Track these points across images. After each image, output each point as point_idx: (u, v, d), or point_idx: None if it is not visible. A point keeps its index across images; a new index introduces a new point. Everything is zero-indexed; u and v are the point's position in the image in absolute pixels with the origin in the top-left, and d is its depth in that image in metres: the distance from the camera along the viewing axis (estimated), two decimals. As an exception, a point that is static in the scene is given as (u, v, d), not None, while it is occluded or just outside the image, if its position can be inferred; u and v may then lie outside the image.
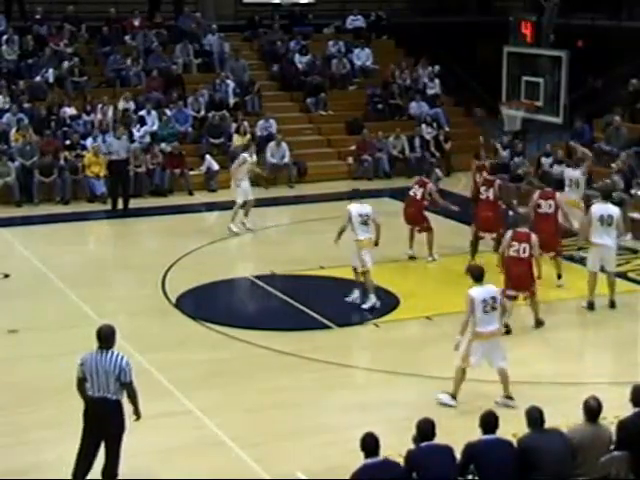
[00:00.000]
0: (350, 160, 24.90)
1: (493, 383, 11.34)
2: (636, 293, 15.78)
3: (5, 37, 25.30)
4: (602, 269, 14.77)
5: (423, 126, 25.58)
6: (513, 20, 23.86)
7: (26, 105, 23.47)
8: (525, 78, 20.66)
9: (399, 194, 20.37)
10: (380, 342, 13.65)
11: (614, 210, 14.60)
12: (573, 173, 17.37)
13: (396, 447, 8.66)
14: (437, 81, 27.56)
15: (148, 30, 27.04)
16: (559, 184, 18.89)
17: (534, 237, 13.65)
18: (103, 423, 9.04)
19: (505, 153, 22.02)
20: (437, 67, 27.67)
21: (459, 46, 27.65)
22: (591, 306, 14.67)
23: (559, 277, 15.75)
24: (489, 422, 8.25)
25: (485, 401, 10.71)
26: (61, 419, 10.60)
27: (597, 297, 14.74)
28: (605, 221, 14.47)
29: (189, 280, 16.09)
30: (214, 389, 11.89)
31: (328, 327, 14.00)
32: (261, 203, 20.41)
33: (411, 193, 17.18)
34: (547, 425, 8.35)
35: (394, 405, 11.13)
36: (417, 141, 25.28)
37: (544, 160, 20.57)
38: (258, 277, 16.30)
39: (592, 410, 8.25)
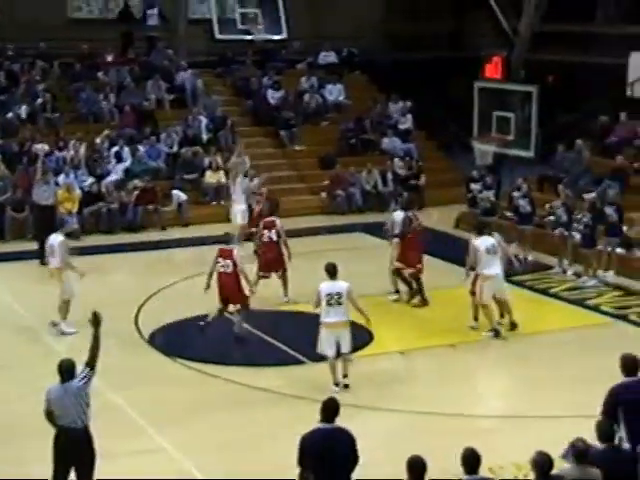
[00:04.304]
0: (323, 195, 24.98)
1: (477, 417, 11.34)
2: (608, 326, 15.88)
3: (-23, 74, 25.32)
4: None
5: (396, 161, 25.71)
6: (483, 56, 24.11)
7: (-2, 141, 23.46)
8: (496, 113, 20.85)
9: (372, 229, 20.42)
10: (353, 377, 13.61)
11: (494, 240, 15.02)
12: None
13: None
14: (409, 116, 27.73)
15: (121, 66, 27.11)
16: (528, 218, 19.11)
17: None
18: (73, 451, 9.15)
19: (478, 186, 22.16)
20: (409, 102, 27.86)
21: (431, 81, 27.87)
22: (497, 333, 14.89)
23: (502, 316, 15.51)
24: (472, 460, 8.14)
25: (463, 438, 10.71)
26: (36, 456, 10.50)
27: (566, 331, 14.83)
28: (491, 251, 14.77)
29: (163, 316, 16.02)
30: (188, 426, 11.82)
31: (302, 362, 13.97)
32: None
33: (266, 238, 16.91)
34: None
35: (365, 439, 11.05)
36: (390, 176, 25.41)
37: (515, 194, 20.71)
38: (232, 313, 16.23)
39: (580, 452, 8.25)
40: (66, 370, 9.30)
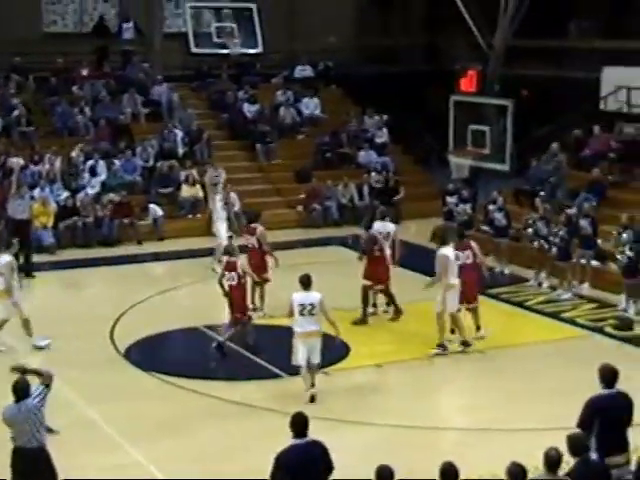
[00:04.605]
0: (299, 208, 24.98)
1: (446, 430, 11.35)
2: (584, 338, 15.95)
3: (-49, 88, 25.22)
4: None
5: (373, 174, 25.76)
6: (459, 70, 24.22)
7: (-28, 155, 23.32)
8: (472, 126, 20.92)
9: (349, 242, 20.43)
10: (330, 390, 13.58)
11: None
12: None
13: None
14: (385, 130, 27.80)
15: (96, 80, 27.05)
16: (503, 231, 19.15)
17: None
18: (30, 472, 9.10)
19: (454, 199, 22.21)
20: (385, 116, 27.94)
21: (407, 95, 27.96)
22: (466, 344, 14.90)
23: (478, 328, 15.53)
24: (450, 474, 8.13)
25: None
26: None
27: (542, 344, 14.86)
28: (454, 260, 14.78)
29: (138, 330, 15.95)
30: (163, 440, 11.77)
31: (279, 376, 13.94)
32: (211, 252, 20.38)
33: (249, 245, 16.93)
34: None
35: (341, 452, 11.03)
36: (366, 189, 25.44)
37: (491, 207, 20.79)
38: (208, 327, 16.21)
39: (552, 460, 8.27)
40: (20, 389, 9.24)
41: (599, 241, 18.75)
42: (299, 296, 12.93)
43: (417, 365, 14.51)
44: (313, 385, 13.09)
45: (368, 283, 16.43)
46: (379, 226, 16.95)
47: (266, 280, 16.73)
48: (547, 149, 22.75)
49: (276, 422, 12.31)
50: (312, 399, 12.81)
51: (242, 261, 15.24)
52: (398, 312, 16.58)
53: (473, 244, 15.76)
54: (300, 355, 12.90)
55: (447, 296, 14.63)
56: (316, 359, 13.00)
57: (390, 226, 17.08)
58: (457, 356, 14.87)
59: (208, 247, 20.49)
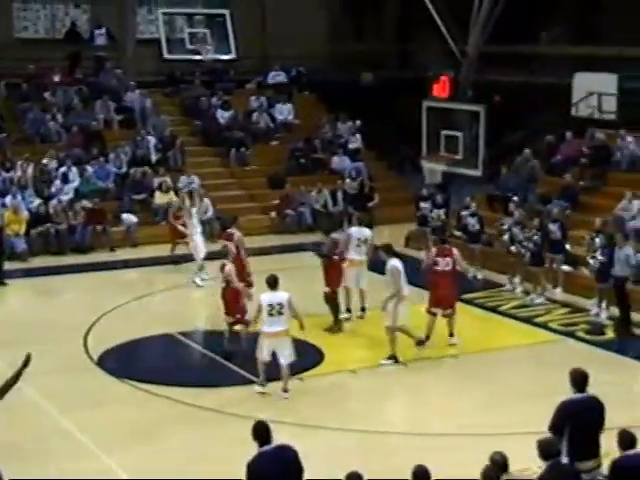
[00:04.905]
0: (273, 214, 24.98)
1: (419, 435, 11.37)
2: (556, 343, 16.05)
3: None
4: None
5: (347, 180, 25.80)
6: (431, 76, 24.28)
7: (-56, 162, 23.18)
8: (444, 132, 20.99)
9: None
10: (303, 396, 13.60)
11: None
12: None
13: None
14: (358, 135, 27.87)
15: (68, 86, 26.93)
16: (476, 236, 19.24)
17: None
18: None
19: (427, 205, 22.28)
20: (358, 122, 28.01)
21: (380, 101, 28.05)
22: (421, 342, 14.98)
23: (451, 335, 15.52)
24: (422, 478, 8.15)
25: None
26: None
27: (516, 349, 14.90)
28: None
29: (112, 337, 15.89)
30: (137, 447, 11.72)
31: (252, 382, 13.92)
32: (184, 259, 20.37)
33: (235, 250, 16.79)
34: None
35: (315, 459, 11.04)
36: (339, 195, 25.48)
37: (464, 213, 20.88)
38: (182, 333, 16.17)
39: (498, 464, 8.33)
40: None
41: (567, 246, 18.87)
42: (267, 296, 13.07)
43: (391, 371, 14.52)
44: (286, 390, 13.15)
45: (328, 290, 16.29)
46: (355, 231, 17.01)
47: (250, 285, 16.60)
48: (519, 154, 22.88)
49: (249, 428, 12.32)
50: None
51: (229, 267, 15.06)
52: (336, 326, 16.20)
53: (455, 251, 15.73)
54: (265, 351, 13.12)
55: (399, 308, 14.49)
56: (287, 359, 13.11)
57: (367, 232, 17.14)
58: (431, 361, 14.91)
59: (181, 254, 20.49)
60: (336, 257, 16.40)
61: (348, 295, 16.94)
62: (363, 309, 16.94)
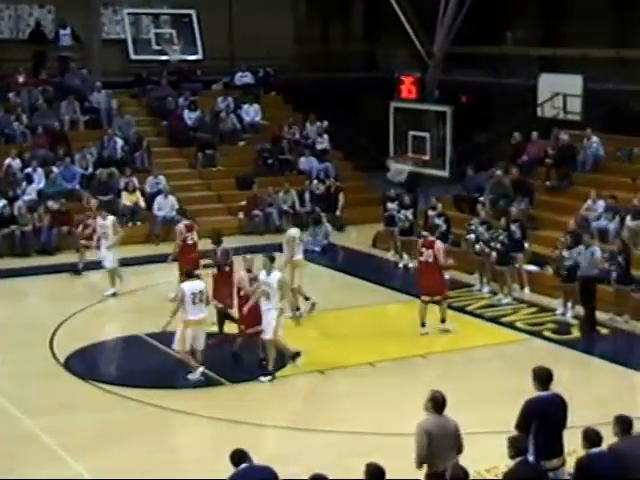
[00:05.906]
0: (241, 215, 24.93)
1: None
2: (523, 342, 16.15)
3: None
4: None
5: (315, 182, 25.80)
6: (398, 76, 24.37)
7: None
8: (412, 133, 21.06)
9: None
10: (273, 398, 13.61)
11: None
12: None
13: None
14: (326, 136, 27.89)
15: (33, 87, 26.73)
16: (443, 237, 19.34)
17: None
18: None
19: (394, 205, 22.32)
20: (325, 122, 28.03)
21: (347, 102, 28.09)
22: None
23: (443, 321, 16.24)
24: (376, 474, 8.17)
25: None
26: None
27: (484, 348, 14.98)
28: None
29: (79, 339, 15.80)
30: (106, 451, 11.65)
31: (221, 384, 13.90)
32: (151, 260, 20.28)
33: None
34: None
35: (285, 460, 11.06)
36: (307, 196, 25.48)
37: (431, 213, 20.93)
38: (149, 335, 16.10)
39: (438, 401, 9.05)
40: None
41: (526, 245, 18.97)
42: (189, 286, 13.88)
43: (361, 371, 14.54)
44: (203, 364, 13.84)
45: (217, 304, 15.42)
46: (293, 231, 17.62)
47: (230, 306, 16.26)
48: (485, 156, 22.98)
49: (220, 430, 12.32)
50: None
51: (241, 274, 14.87)
52: (221, 340, 15.44)
53: (437, 244, 16.24)
54: (187, 341, 13.80)
55: (281, 321, 14.27)
56: (201, 345, 13.94)
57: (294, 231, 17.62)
58: (399, 361, 14.95)
59: (148, 255, 20.42)
60: (227, 268, 15.80)
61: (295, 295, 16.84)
62: (298, 308, 16.89)
